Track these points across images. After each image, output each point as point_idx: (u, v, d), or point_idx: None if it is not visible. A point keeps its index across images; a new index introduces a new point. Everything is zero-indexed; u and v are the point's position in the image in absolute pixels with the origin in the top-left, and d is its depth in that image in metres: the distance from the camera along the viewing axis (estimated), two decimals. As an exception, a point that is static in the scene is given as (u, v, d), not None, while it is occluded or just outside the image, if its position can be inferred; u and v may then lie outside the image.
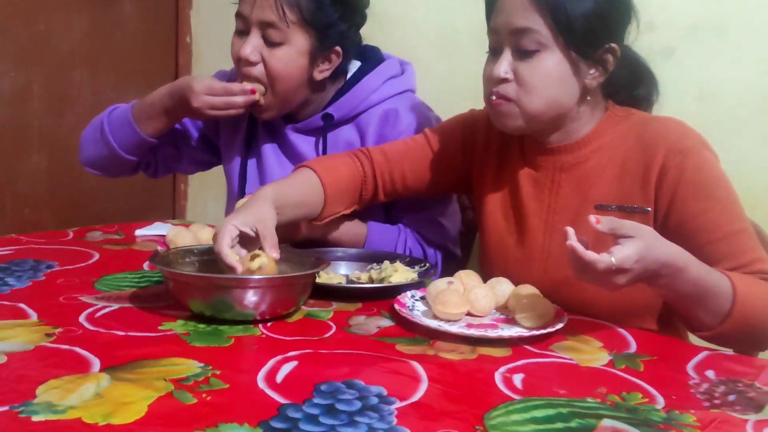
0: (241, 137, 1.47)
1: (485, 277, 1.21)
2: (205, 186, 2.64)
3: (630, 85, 1.16)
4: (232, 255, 0.96)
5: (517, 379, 0.81)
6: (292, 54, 1.29)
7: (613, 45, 1.08)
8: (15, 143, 2.24)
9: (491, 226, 1.21)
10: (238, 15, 1.31)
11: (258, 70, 1.30)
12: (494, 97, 1.09)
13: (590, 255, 0.87)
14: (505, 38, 1.07)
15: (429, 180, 1.28)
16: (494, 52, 1.11)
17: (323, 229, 1.27)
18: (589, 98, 1.11)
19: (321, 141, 1.40)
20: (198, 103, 1.29)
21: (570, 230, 0.89)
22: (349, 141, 1.40)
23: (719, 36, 1.56)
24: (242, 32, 1.31)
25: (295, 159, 1.42)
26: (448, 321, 0.98)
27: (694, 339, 1.07)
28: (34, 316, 0.91)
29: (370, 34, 1.56)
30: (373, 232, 1.34)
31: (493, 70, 1.08)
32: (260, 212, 1.04)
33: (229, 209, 1.50)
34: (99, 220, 2.37)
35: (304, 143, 1.42)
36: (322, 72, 1.34)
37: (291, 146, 1.42)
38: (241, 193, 1.45)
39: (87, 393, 0.70)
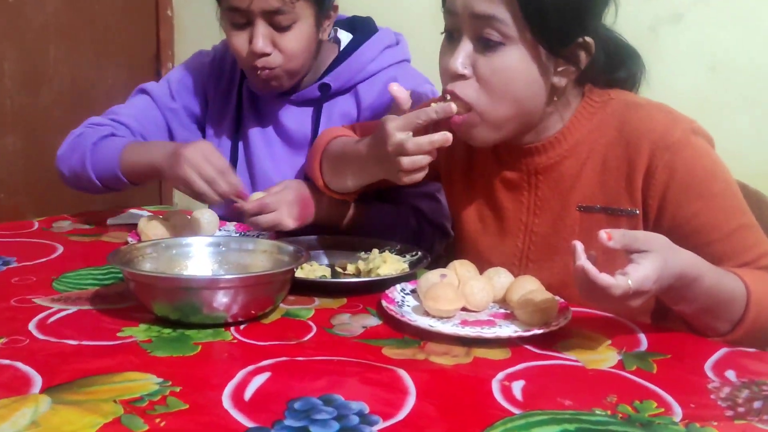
0: (229, 119, 1.39)
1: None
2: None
3: (609, 70, 1.02)
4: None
5: (517, 387, 0.72)
6: (303, 30, 1.23)
7: (587, 39, 0.94)
8: (-13, 124, 2.14)
9: (466, 228, 1.12)
10: (233, 9, 1.20)
11: (274, 59, 1.23)
12: (449, 97, 0.95)
13: (605, 279, 0.76)
14: (464, 22, 0.93)
15: None
16: (450, 36, 0.97)
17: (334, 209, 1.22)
18: (556, 99, 0.99)
19: (315, 112, 1.33)
20: (181, 171, 1.13)
21: (579, 246, 0.79)
22: (345, 112, 1.33)
23: (729, 2, 1.46)
24: (241, 25, 1.21)
25: (285, 134, 1.36)
26: (441, 318, 0.89)
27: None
28: (-22, 325, 0.83)
29: (358, 7, 1.46)
30: (374, 209, 1.27)
31: (449, 62, 0.94)
32: None
33: None
34: (79, 203, 2.28)
35: (297, 116, 1.35)
36: (325, 31, 1.29)
37: (281, 120, 1.35)
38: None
39: (22, 421, 0.61)
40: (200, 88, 1.41)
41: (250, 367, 0.74)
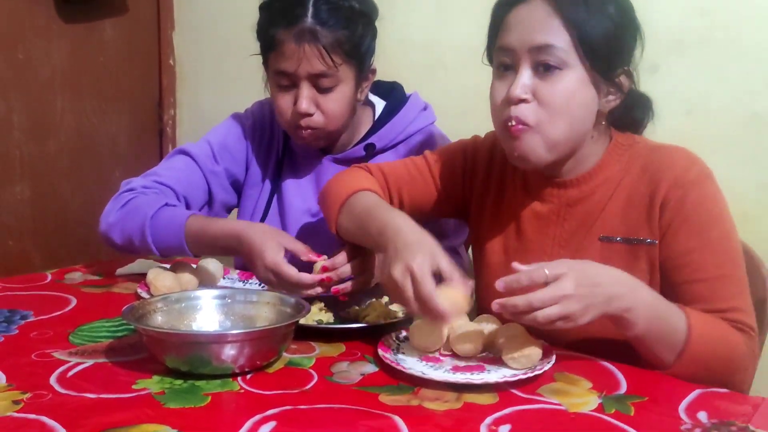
0: (269, 175, 1.46)
1: (482, 306, 1.18)
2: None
3: (627, 108, 1.11)
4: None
5: (504, 431, 0.78)
6: (344, 92, 1.32)
7: (629, 69, 1.05)
8: (-3, 173, 2.21)
9: (490, 260, 1.18)
10: (281, 73, 1.29)
11: (317, 119, 1.31)
12: (513, 123, 1.01)
13: (522, 267, 0.89)
14: (522, 55, 1.01)
15: (425, 205, 1.24)
16: (505, 70, 1.04)
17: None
18: (603, 123, 1.08)
19: None
20: (261, 274, 1.17)
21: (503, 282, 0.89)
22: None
23: (702, 51, 1.54)
24: (287, 87, 1.31)
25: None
26: (429, 352, 0.98)
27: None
28: (3, 380, 0.88)
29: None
30: None
31: (510, 90, 1.01)
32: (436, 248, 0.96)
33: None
34: (85, 247, 2.35)
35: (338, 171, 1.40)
36: (363, 92, 1.39)
37: (323, 178, 1.41)
38: None
39: (52, 473, 0.66)
40: (242, 152, 1.47)
41: (257, 417, 0.79)
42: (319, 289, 1.12)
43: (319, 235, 1.32)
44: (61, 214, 2.32)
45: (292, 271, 1.13)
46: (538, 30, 1.00)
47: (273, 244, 1.16)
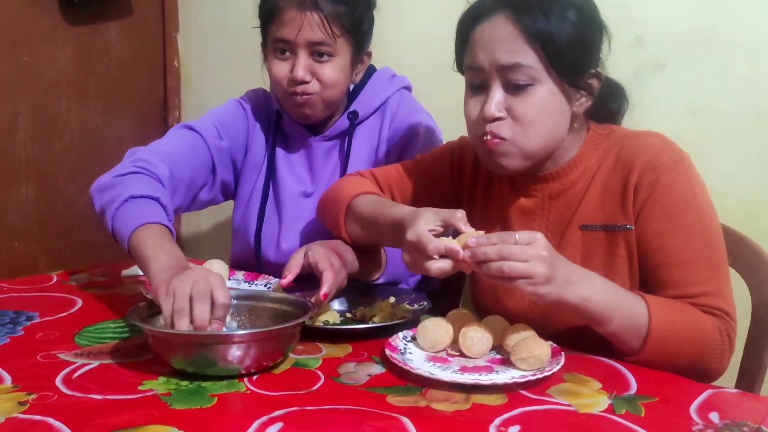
0: (264, 160, 1.48)
1: (477, 308, 1.19)
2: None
3: (602, 101, 1.12)
4: (447, 240, 0.93)
5: (513, 432, 0.78)
6: (340, 64, 1.34)
7: (598, 69, 1.06)
8: (2, 175, 2.20)
9: None
10: (279, 40, 1.32)
11: (312, 87, 1.34)
12: (488, 137, 1.04)
13: (494, 233, 0.91)
14: (492, 75, 1.03)
15: (417, 205, 1.23)
16: (476, 89, 1.06)
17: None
18: (575, 125, 1.09)
19: (346, 141, 1.43)
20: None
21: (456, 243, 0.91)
22: (371, 131, 1.45)
23: (708, 50, 1.53)
24: (284, 56, 1.33)
25: (315, 171, 1.45)
26: (437, 352, 0.98)
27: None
28: (8, 381, 0.88)
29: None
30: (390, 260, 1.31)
31: (483, 109, 1.03)
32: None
33: (241, 230, 1.48)
34: (90, 248, 2.35)
35: (327, 151, 1.45)
36: (358, 74, 1.41)
37: (313, 158, 1.45)
38: (262, 212, 1.44)
39: (57, 475, 0.66)
40: (243, 135, 1.49)
41: (264, 418, 0.79)
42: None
43: (314, 216, 1.36)
44: (67, 215, 2.32)
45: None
46: (505, 49, 1.01)
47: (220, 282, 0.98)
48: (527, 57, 1.00)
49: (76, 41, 2.33)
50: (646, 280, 1.04)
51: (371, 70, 1.48)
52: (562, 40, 1.00)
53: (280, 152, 1.47)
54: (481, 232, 0.94)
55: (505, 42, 1.01)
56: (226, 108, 1.51)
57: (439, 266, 0.93)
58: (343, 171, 1.42)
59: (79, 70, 2.35)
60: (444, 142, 1.44)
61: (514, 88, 1.02)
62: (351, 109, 1.43)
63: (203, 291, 0.91)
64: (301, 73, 1.31)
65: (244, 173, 1.50)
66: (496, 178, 1.19)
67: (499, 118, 1.03)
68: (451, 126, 1.59)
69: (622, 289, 0.98)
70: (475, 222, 1.19)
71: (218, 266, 1.27)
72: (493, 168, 1.09)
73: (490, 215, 1.19)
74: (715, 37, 1.52)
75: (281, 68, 1.33)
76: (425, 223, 0.96)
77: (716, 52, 1.52)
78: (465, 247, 0.91)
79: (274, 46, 1.34)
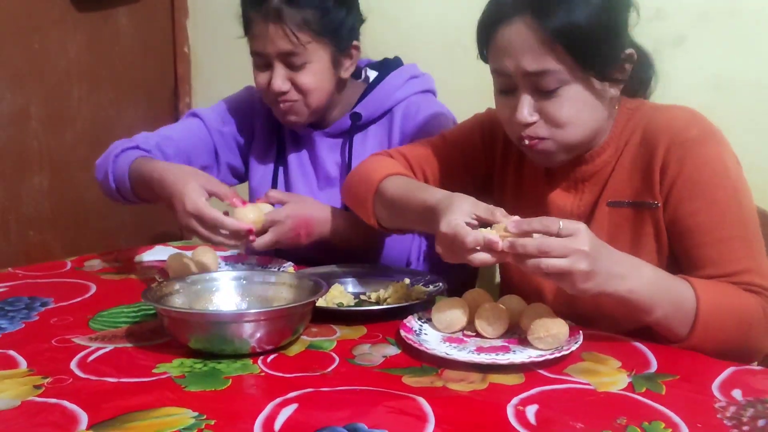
0: (273, 149, 1.47)
1: (506, 287, 1.16)
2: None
3: (633, 72, 1.07)
4: (485, 231, 0.89)
5: (531, 411, 0.76)
6: (317, 69, 1.32)
7: (629, 52, 1.01)
8: (16, 165, 2.21)
9: None
10: (255, 53, 1.32)
11: (292, 95, 1.32)
12: (526, 141, 1.02)
13: (537, 218, 0.88)
14: (518, 80, 1.00)
15: (449, 182, 1.20)
16: (505, 92, 1.03)
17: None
18: (616, 107, 1.07)
19: (348, 142, 1.40)
20: (182, 220, 1.15)
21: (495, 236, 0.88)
22: (378, 139, 1.41)
23: (731, 21, 1.50)
24: (263, 66, 1.33)
25: (319, 166, 1.44)
26: (453, 332, 0.97)
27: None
28: (23, 365, 0.88)
29: (370, 36, 1.52)
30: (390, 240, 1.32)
31: (516, 115, 1.01)
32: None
33: None
34: (104, 236, 2.36)
35: (330, 148, 1.43)
36: (347, 69, 1.37)
37: (316, 153, 1.44)
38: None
39: (72, 457, 0.66)
40: (248, 120, 1.49)
41: (278, 399, 0.78)
42: (235, 242, 1.14)
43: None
44: (80, 203, 2.33)
45: (215, 214, 1.10)
46: (529, 57, 0.97)
47: (194, 186, 1.13)
48: (553, 62, 0.96)
49: (86, 28, 2.32)
50: (681, 259, 1.01)
51: (392, 67, 1.44)
52: (587, 32, 0.96)
53: (289, 143, 1.46)
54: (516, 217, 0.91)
55: (529, 49, 0.97)
56: (237, 94, 1.53)
57: (481, 259, 0.89)
58: (347, 172, 1.38)
59: (90, 58, 2.34)
60: (448, 113, 1.41)
61: (543, 93, 0.99)
62: (356, 109, 1.40)
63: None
64: (277, 83, 1.30)
65: (252, 159, 1.49)
66: (528, 157, 1.16)
67: (533, 123, 1.01)
68: (467, 108, 1.58)
69: (668, 275, 0.94)
70: (507, 201, 1.19)
71: (209, 255, 1.25)
72: (539, 162, 1.08)
73: (522, 195, 1.17)
74: (738, 7, 1.48)
75: (261, 79, 1.33)
76: (461, 215, 0.92)
77: (740, 23, 1.48)
78: (504, 236, 0.88)
79: (253, 58, 1.34)
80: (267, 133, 1.48)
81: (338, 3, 1.30)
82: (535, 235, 0.87)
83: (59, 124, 2.29)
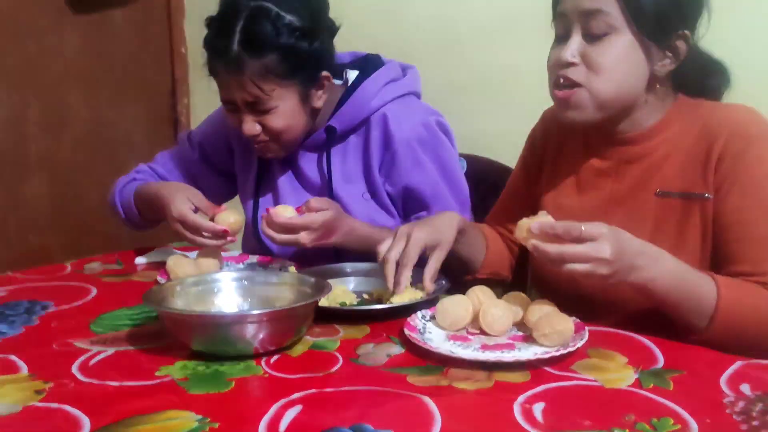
0: (254, 168, 1.45)
1: (536, 276, 1.19)
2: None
3: (700, 77, 1.10)
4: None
5: (538, 409, 0.75)
6: (286, 110, 1.29)
7: (686, 32, 1.03)
8: (14, 168, 2.21)
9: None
10: (222, 100, 1.31)
11: (263, 137, 1.31)
12: (562, 80, 1.04)
13: (560, 222, 0.89)
14: (573, 21, 1.03)
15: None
16: (560, 40, 1.07)
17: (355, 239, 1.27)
18: (658, 86, 1.07)
19: (326, 155, 1.37)
20: (171, 225, 1.29)
21: (534, 225, 0.90)
22: (356, 150, 1.38)
23: (732, 13, 1.48)
24: (232, 111, 1.30)
25: (304, 178, 1.42)
26: (457, 330, 0.97)
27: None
28: (24, 370, 0.87)
29: (366, 33, 1.50)
30: None
31: (560, 54, 1.04)
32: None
33: (245, 234, 1.48)
34: (104, 239, 2.34)
35: (311, 161, 1.40)
36: (320, 98, 1.34)
37: (299, 166, 1.41)
38: (254, 222, 1.42)
39: (75, 462, 0.65)
40: (223, 139, 1.48)
41: (283, 401, 0.77)
42: (216, 242, 1.25)
43: None
44: (79, 206, 2.32)
45: (195, 218, 1.25)
46: None
47: (180, 198, 1.28)
48: (609, 4, 1.00)
49: (82, 30, 2.31)
50: (717, 252, 1.02)
51: (371, 68, 1.37)
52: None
53: (276, 161, 1.43)
54: (547, 218, 0.93)
55: None
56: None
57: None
58: (329, 186, 1.36)
59: (87, 60, 2.33)
60: (448, 128, 1.41)
61: (592, 37, 1.02)
62: (330, 122, 1.35)
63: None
64: (247, 128, 1.28)
65: (238, 178, 1.49)
66: (569, 138, 1.19)
67: (573, 64, 1.03)
68: (465, 105, 1.57)
69: (691, 268, 0.95)
70: (541, 184, 1.21)
71: (208, 262, 1.23)
72: (566, 121, 1.08)
73: (559, 175, 1.18)
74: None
75: (233, 122, 1.32)
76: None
77: (741, 15, 1.47)
78: (526, 237, 0.91)
79: (222, 101, 1.32)
80: (247, 149, 1.45)
81: (300, 37, 1.24)
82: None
83: (57, 127, 2.28)
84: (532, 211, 1.20)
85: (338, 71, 1.39)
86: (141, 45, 2.48)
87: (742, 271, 0.98)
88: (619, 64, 1.02)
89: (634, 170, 1.09)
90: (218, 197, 1.50)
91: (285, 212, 1.19)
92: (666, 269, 0.93)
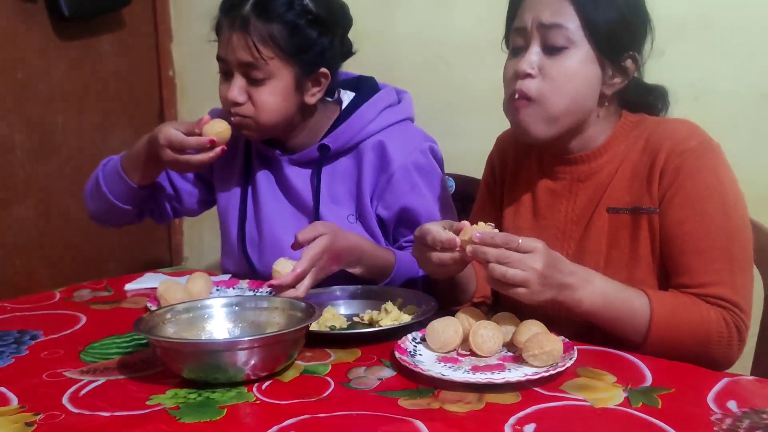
0: (237, 173, 1.45)
1: (497, 294, 1.19)
2: (200, 219, 2.59)
3: (641, 94, 1.14)
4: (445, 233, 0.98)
5: (529, 430, 0.76)
6: (277, 88, 1.28)
7: (635, 53, 1.07)
8: (1, 193, 2.20)
9: None
10: (218, 58, 1.31)
11: (246, 109, 1.29)
12: (516, 96, 1.06)
13: (500, 233, 0.94)
14: (532, 34, 1.06)
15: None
16: (517, 52, 1.09)
17: (359, 261, 1.24)
18: (606, 104, 1.10)
19: (315, 173, 1.38)
20: (165, 157, 1.28)
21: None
22: (347, 173, 1.38)
23: (706, 33, 1.52)
24: (226, 73, 1.31)
25: (290, 192, 1.41)
26: (447, 352, 0.98)
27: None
28: (14, 401, 0.86)
29: (357, 62, 1.51)
30: (400, 261, 1.29)
31: (517, 65, 1.06)
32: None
33: (225, 249, 1.47)
34: (92, 263, 2.34)
35: (299, 176, 1.40)
36: (314, 95, 1.33)
37: (285, 179, 1.41)
38: (241, 230, 1.41)
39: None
40: None
41: (275, 427, 0.78)
42: (206, 155, 1.26)
43: (291, 235, 1.23)
44: (67, 231, 2.31)
45: (179, 135, 1.25)
46: (549, 10, 1.04)
47: (165, 126, 1.28)
48: (568, 20, 1.04)
49: (69, 56, 2.32)
50: (665, 265, 1.05)
51: (367, 90, 1.40)
52: (605, 17, 1.04)
53: (255, 170, 1.43)
54: (489, 228, 0.97)
55: (551, 3, 1.04)
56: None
57: (438, 256, 0.98)
58: (316, 204, 1.36)
59: (74, 85, 2.34)
60: (440, 155, 1.44)
61: (550, 50, 1.05)
62: (325, 141, 1.35)
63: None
64: (233, 94, 1.27)
65: (216, 186, 1.48)
66: (525, 162, 1.21)
67: (530, 75, 1.05)
68: (450, 124, 1.59)
69: (623, 286, 1.00)
70: (506, 204, 1.22)
71: (201, 282, 1.24)
72: (520, 134, 1.10)
73: (517, 198, 1.20)
74: (711, 19, 1.50)
75: (223, 88, 1.31)
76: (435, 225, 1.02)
77: (715, 35, 1.51)
78: (467, 241, 0.96)
79: (218, 65, 1.31)
80: (226, 160, 1.43)
81: (311, 23, 1.27)
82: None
83: (44, 152, 2.28)
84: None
85: (334, 87, 1.40)
86: (128, 69, 2.49)
87: (682, 283, 1.02)
88: (576, 77, 1.05)
89: (586, 189, 1.12)
90: (201, 205, 1.52)
91: (286, 269, 1.11)
92: (595, 289, 0.97)
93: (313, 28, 1.28)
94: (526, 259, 0.92)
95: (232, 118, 1.31)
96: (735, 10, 1.48)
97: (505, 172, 1.25)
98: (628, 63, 1.08)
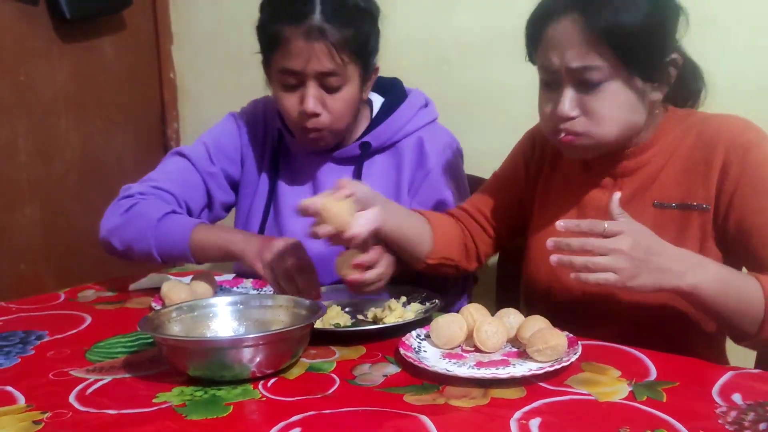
0: (264, 178, 1.44)
1: (529, 289, 1.20)
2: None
3: (682, 82, 1.11)
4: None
5: (534, 425, 0.76)
6: (351, 91, 1.30)
7: (674, 56, 1.04)
8: (5, 198, 2.20)
9: (546, 236, 1.12)
10: (287, 71, 1.26)
11: (323, 119, 1.29)
12: (563, 134, 1.04)
13: (583, 220, 0.92)
14: (562, 75, 1.03)
15: (506, 219, 1.27)
16: (549, 87, 1.06)
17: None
18: (657, 112, 1.10)
19: (356, 170, 1.39)
20: (265, 259, 1.19)
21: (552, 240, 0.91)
22: (385, 169, 1.40)
23: (705, 28, 1.52)
24: (292, 87, 1.27)
25: (319, 191, 1.39)
26: (452, 348, 0.97)
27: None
28: (21, 400, 0.87)
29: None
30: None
31: (556, 109, 1.03)
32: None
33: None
34: (96, 267, 2.33)
35: (337, 174, 1.39)
36: (366, 91, 1.35)
37: (319, 180, 1.40)
38: (261, 231, 1.41)
39: (76, 492, 0.65)
40: (236, 150, 1.46)
41: (281, 424, 0.78)
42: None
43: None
44: (72, 234, 2.32)
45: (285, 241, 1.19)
46: (575, 53, 1.00)
47: (269, 243, 1.20)
48: (597, 59, 0.99)
49: (71, 58, 2.32)
50: (747, 261, 1.03)
51: (397, 92, 1.41)
52: (633, 34, 0.98)
53: (283, 168, 1.43)
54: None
55: (575, 46, 1.00)
56: (219, 126, 1.49)
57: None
58: None
59: (76, 88, 2.34)
60: (453, 141, 1.44)
61: (585, 87, 1.02)
62: (366, 138, 1.37)
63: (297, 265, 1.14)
64: (311, 105, 1.25)
65: (242, 188, 1.47)
66: (565, 156, 1.19)
67: (572, 118, 1.03)
68: (453, 125, 1.59)
69: (735, 271, 0.96)
70: (547, 200, 1.21)
71: (202, 287, 1.24)
72: (570, 156, 1.11)
73: (558, 194, 1.19)
74: (711, 14, 1.50)
75: (290, 101, 1.28)
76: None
77: (713, 30, 1.50)
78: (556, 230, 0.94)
79: (281, 77, 1.27)
80: (257, 162, 1.44)
81: (370, 23, 1.28)
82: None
83: (48, 155, 2.28)
84: (520, 204, 1.26)
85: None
86: (130, 71, 2.49)
87: None
88: (620, 106, 1.02)
89: (631, 183, 1.11)
90: (227, 209, 1.50)
91: (344, 208, 1.05)
92: (710, 274, 0.93)
93: (368, 25, 1.29)
94: (610, 243, 0.88)
95: (311, 134, 1.29)
96: (738, 5, 1.48)
97: (543, 165, 1.24)
98: (670, 69, 1.04)
